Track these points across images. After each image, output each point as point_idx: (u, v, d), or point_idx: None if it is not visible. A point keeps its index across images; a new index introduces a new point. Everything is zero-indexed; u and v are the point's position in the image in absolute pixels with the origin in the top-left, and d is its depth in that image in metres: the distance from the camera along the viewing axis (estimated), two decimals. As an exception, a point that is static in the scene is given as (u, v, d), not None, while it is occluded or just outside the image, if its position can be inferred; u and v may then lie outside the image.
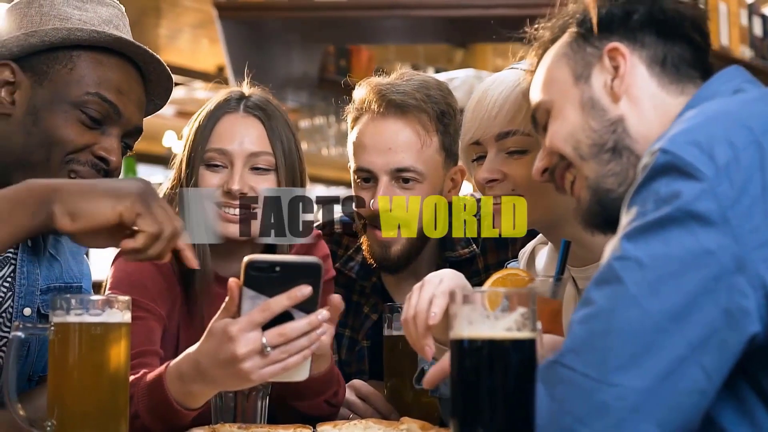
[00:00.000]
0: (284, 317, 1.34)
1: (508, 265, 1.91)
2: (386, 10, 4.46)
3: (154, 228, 1.36)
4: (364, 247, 2.16)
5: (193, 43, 8.28)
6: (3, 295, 1.71)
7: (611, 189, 1.37)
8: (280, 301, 1.33)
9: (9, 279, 1.72)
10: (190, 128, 2.01)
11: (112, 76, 1.69)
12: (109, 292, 1.86)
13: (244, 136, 1.95)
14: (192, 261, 1.44)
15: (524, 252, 1.90)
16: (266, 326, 1.34)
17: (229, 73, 5.26)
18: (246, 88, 2.05)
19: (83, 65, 1.67)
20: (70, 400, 1.31)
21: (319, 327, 1.36)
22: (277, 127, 1.99)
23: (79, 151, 1.65)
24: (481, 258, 2.17)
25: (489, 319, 1.17)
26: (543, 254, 1.84)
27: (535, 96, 1.50)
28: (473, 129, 1.75)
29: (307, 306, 1.36)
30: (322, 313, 1.37)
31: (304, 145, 6.67)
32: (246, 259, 1.34)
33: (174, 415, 1.52)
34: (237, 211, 1.93)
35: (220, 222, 1.93)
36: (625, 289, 1.14)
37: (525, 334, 1.17)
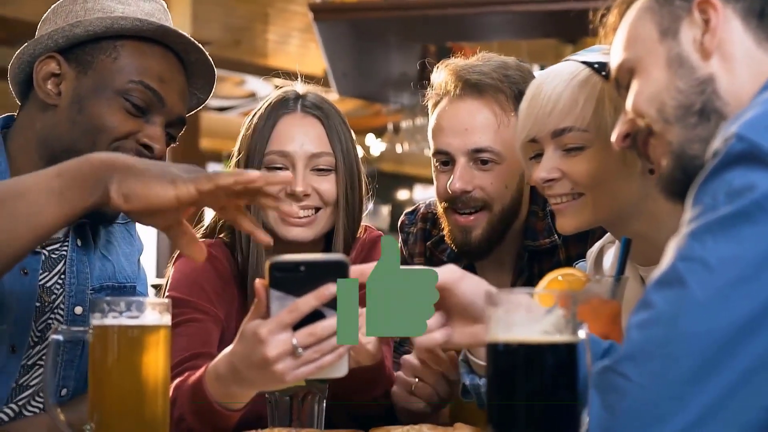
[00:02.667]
0: (316, 316, 1.31)
1: (576, 266, 1.83)
2: (485, 6, 4.39)
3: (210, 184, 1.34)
4: (445, 232, 2.12)
5: (302, 47, 8.37)
6: (57, 292, 1.74)
7: (697, 156, 1.25)
8: (308, 301, 1.29)
9: (62, 276, 1.75)
10: (245, 131, 1.99)
11: (155, 64, 1.72)
12: (168, 294, 1.87)
13: (305, 137, 1.94)
14: (264, 238, 1.43)
15: (592, 251, 1.81)
16: (299, 325, 1.31)
17: (328, 75, 5.28)
18: (300, 87, 2.02)
19: (126, 54, 1.70)
20: (107, 403, 1.30)
21: None
22: (335, 126, 1.97)
23: (123, 138, 1.67)
24: (562, 249, 2.10)
25: (525, 321, 1.11)
26: (611, 254, 1.75)
27: (617, 55, 1.40)
28: (528, 126, 1.68)
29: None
30: None
31: (405, 146, 6.69)
32: (270, 260, 1.32)
33: (217, 416, 1.51)
34: (300, 213, 1.91)
35: (284, 225, 1.92)
36: (689, 293, 1.05)
37: (563, 338, 1.11)
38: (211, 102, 8.23)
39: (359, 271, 1.32)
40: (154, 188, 1.34)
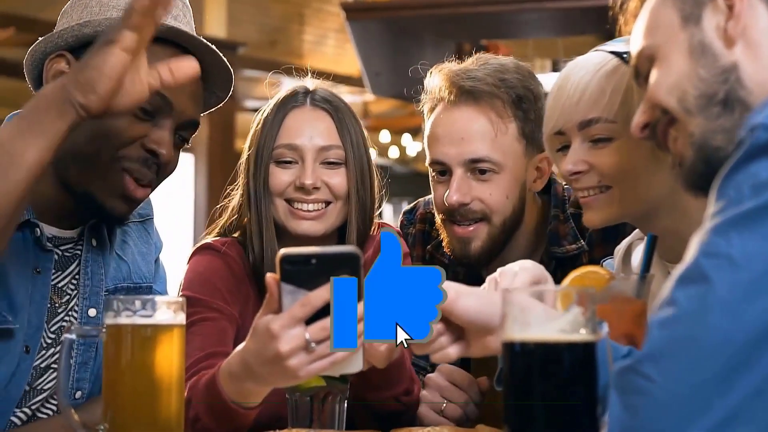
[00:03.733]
0: (329, 309, 1.28)
1: (604, 263, 1.78)
2: (520, 3, 4.35)
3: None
4: (444, 243, 2.07)
5: (338, 48, 8.39)
6: (70, 293, 1.73)
7: (720, 147, 1.21)
8: (321, 295, 1.27)
9: (76, 277, 1.74)
10: (255, 126, 1.98)
11: None
12: (182, 293, 1.86)
13: (314, 130, 1.91)
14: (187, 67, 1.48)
15: (620, 248, 1.76)
16: (312, 319, 1.29)
17: (362, 74, 5.27)
18: (310, 82, 2.00)
19: None
20: (121, 402, 1.29)
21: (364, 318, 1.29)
22: (345, 119, 1.94)
23: (129, 143, 1.64)
24: (587, 253, 2.04)
25: (542, 320, 1.08)
26: (639, 250, 1.70)
27: (637, 42, 1.35)
28: (555, 117, 1.63)
29: None
30: None
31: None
32: (280, 253, 1.29)
33: (232, 414, 1.50)
34: (310, 206, 1.89)
35: (294, 219, 1.90)
36: (713, 291, 1.00)
37: (581, 337, 1.08)
38: (247, 103, 8.28)
39: None
40: (104, 62, 1.38)
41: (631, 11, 1.41)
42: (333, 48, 8.49)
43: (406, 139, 9.78)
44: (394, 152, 10.49)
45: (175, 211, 7.75)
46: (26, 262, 1.65)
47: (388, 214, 8.45)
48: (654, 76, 1.30)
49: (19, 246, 1.64)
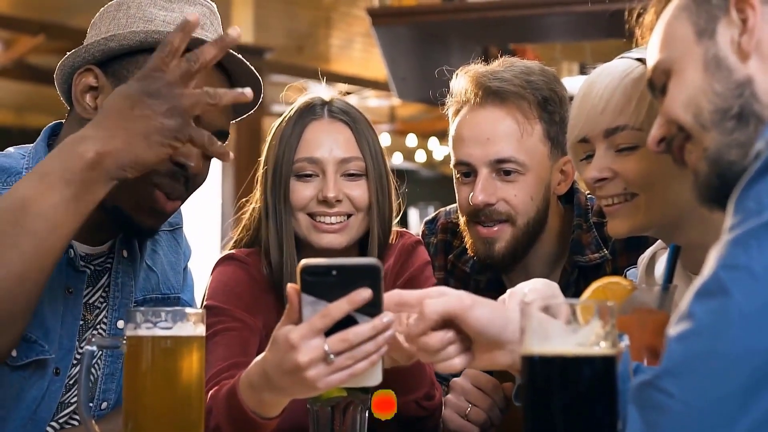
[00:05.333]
0: (349, 321, 1.28)
1: (627, 273, 1.77)
2: (547, 7, 4.33)
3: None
4: (468, 244, 2.07)
5: (364, 52, 8.39)
6: (100, 306, 1.73)
7: (734, 161, 1.20)
8: (341, 306, 1.27)
9: (106, 290, 1.74)
10: (271, 139, 1.97)
11: None
12: (205, 303, 1.86)
13: (334, 142, 1.91)
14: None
15: (643, 258, 1.74)
16: (331, 331, 1.28)
17: (388, 78, 5.26)
18: (325, 92, 2.00)
19: None
20: (142, 413, 1.30)
21: (385, 330, 1.28)
22: (363, 130, 1.94)
23: None
24: (610, 262, 2.03)
25: (561, 333, 1.07)
26: (663, 261, 1.68)
27: (653, 56, 1.34)
28: (579, 125, 1.62)
29: (371, 309, 1.28)
30: (388, 316, 1.29)
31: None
32: (301, 264, 1.29)
33: (252, 424, 1.49)
34: (333, 219, 1.89)
35: (317, 233, 1.90)
36: (733, 304, 0.99)
37: (601, 350, 1.06)
38: (274, 108, 8.30)
39: (398, 296, 1.32)
40: (145, 157, 1.41)
41: (647, 24, 1.41)
42: (360, 52, 8.49)
43: (433, 143, 9.77)
44: (420, 156, 10.49)
45: (203, 217, 7.78)
46: (58, 282, 1.64)
47: (414, 219, 8.45)
48: (670, 90, 1.29)
49: None
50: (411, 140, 10.12)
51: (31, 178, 1.42)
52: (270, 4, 7.28)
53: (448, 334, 1.29)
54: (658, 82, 1.34)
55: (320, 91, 2.00)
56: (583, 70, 5.35)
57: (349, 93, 2.11)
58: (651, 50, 1.36)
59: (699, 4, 1.27)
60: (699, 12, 1.26)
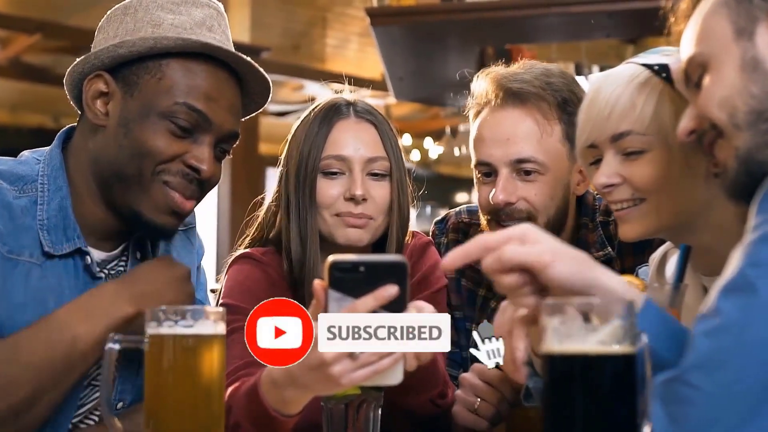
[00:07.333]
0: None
1: (639, 271, 1.79)
2: (543, 7, 4.35)
3: None
4: None
5: (360, 52, 8.41)
6: None
7: (764, 161, 1.22)
8: (367, 303, 1.28)
9: None
10: (293, 138, 1.99)
11: (201, 83, 1.66)
12: (222, 301, 1.87)
13: (360, 141, 1.93)
14: None
15: (654, 257, 1.76)
16: None
17: (385, 78, 5.28)
18: (349, 94, 2.02)
19: (171, 74, 1.65)
20: (162, 412, 1.31)
21: None
22: (387, 131, 1.97)
23: (169, 161, 1.65)
24: (618, 261, 2.05)
25: (581, 332, 1.09)
26: (674, 260, 1.70)
27: (688, 48, 1.34)
28: (587, 131, 1.63)
29: (396, 306, 1.30)
30: None
31: (463, 149, 6.66)
32: (329, 259, 1.31)
33: (272, 422, 1.51)
34: (359, 216, 1.90)
35: (344, 229, 1.91)
36: (761, 299, 1.02)
37: (621, 349, 1.08)
38: (270, 107, 8.31)
39: (483, 241, 1.24)
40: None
41: (682, 11, 1.39)
42: (355, 52, 8.50)
43: (428, 142, 9.79)
44: (415, 155, 10.52)
45: (198, 215, 7.78)
46: (76, 289, 1.66)
47: (411, 218, 8.47)
48: (706, 87, 1.29)
49: (69, 274, 1.66)
50: (406, 140, 10.15)
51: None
52: (267, 3, 7.29)
53: (522, 278, 1.22)
54: (693, 75, 1.33)
55: (344, 92, 2.02)
56: (579, 71, 5.37)
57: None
58: (686, 42, 1.35)
59: (739, 2, 1.26)
60: (739, 10, 1.26)
